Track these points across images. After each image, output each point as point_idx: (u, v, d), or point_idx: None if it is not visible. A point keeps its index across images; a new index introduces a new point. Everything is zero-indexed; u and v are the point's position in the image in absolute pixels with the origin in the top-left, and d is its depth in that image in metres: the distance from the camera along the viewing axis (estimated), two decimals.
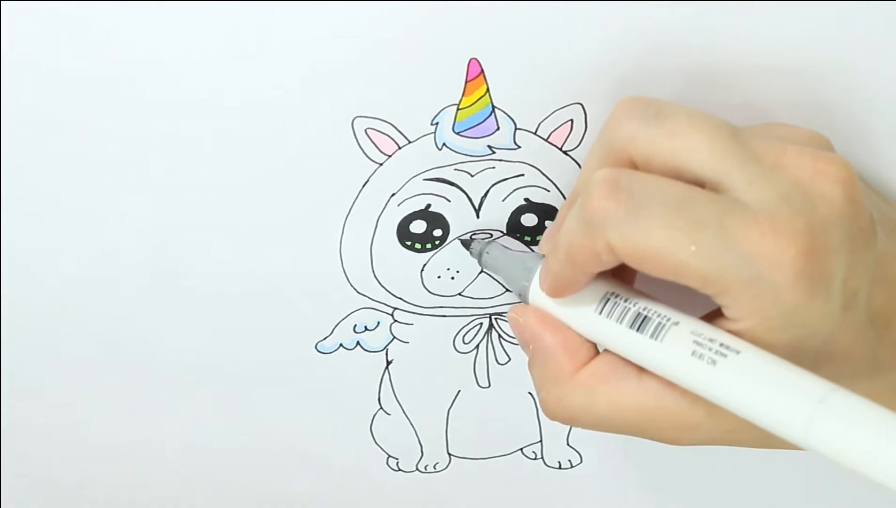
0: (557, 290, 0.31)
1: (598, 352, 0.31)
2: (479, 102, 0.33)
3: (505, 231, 0.36)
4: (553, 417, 0.31)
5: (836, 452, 0.24)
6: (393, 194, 0.35)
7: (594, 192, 0.28)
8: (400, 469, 0.41)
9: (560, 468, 0.41)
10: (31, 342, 0.38)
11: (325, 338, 0.38)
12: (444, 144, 0.34)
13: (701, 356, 0.27)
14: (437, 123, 0.33)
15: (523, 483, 0.42)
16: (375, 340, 0.38)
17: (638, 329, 0.29)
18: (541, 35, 0.32)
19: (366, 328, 0.38)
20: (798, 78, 0.33)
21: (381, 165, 0.34)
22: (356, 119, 0.33)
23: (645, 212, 0.27)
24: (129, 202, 0.35)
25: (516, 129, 0.34)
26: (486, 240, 0.36)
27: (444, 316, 0.38)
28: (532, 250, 0.36)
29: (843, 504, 0.43)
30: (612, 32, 0.32)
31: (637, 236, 0.27)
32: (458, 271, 0.37)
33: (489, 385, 0.40)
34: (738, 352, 0.27)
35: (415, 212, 0.35)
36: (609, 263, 0.28)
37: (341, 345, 0.38)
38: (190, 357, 0.39)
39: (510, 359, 0.39)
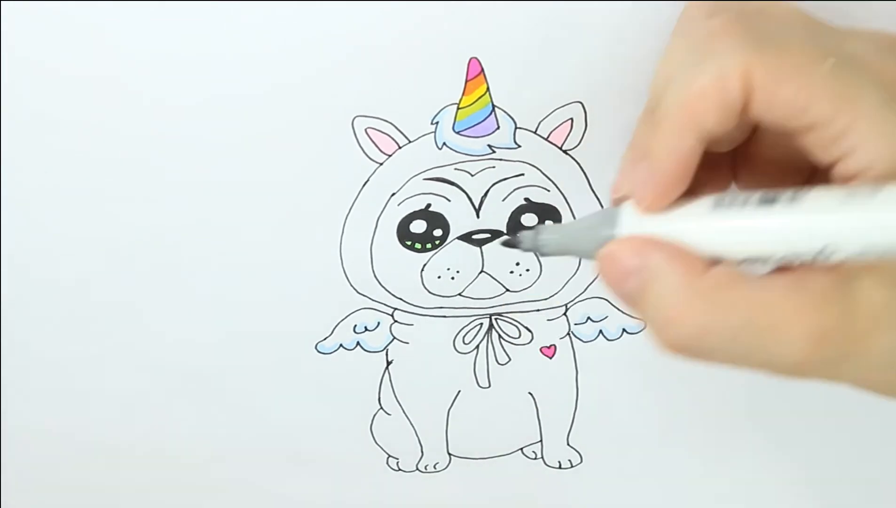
0: (668, 185, 0.26)
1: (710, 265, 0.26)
2: (480, 101, 0.33)
3: (505, 231, 0.36)
4: (681, 342, 0.26)
5: None
6: (393, 194, 0.35)
7: (717, 27, 0.25)
8: (400, 469, 0.41)
9: (560, 468, 0.41)
10: (31, 342, 0.38)
11: (325, 338, 0.38)
12: (444, 143, 0.34)
13: (855, 196, 0.24)
14: (437, 123, 0.34)
15: (523, 483, 0.42)
16: (375, 340, 0.38)
17: (770, 204, 0.25)
18: (541, 34, 0.32)
19: (366, 329, 0.38)
20: None
21: (381, 164, 0.34)
22: (356, 119, 0.33)
23: (776, 36, 0.25)
24: (128, 202, 0.35)
25: (516, 128, 0.34)
26: (534, 230, 0.30)
27: (445, 316, 0.38)
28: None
29: None
30: (612, 31, 0.32)
31: (774, 55, 0.25)
32: (458, 272, 0.37)
33: (489, 385, 0.40)
34: (893, 187, 0.24)
35: (415, 212, 0.35)
36: (733, 104, 0.25)
37: (341, 345, 0.38)
38: (190, 357, 0.39)
39: (510, 359, 0.39)
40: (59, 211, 0.35)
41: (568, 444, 0.41)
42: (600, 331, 0.38)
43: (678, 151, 0.26)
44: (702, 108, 0.25)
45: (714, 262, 0.26)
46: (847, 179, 0.25)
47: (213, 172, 0.34)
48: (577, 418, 0.40)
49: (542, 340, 0.39)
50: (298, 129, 0.34)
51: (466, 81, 0.33)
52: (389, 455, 0.41)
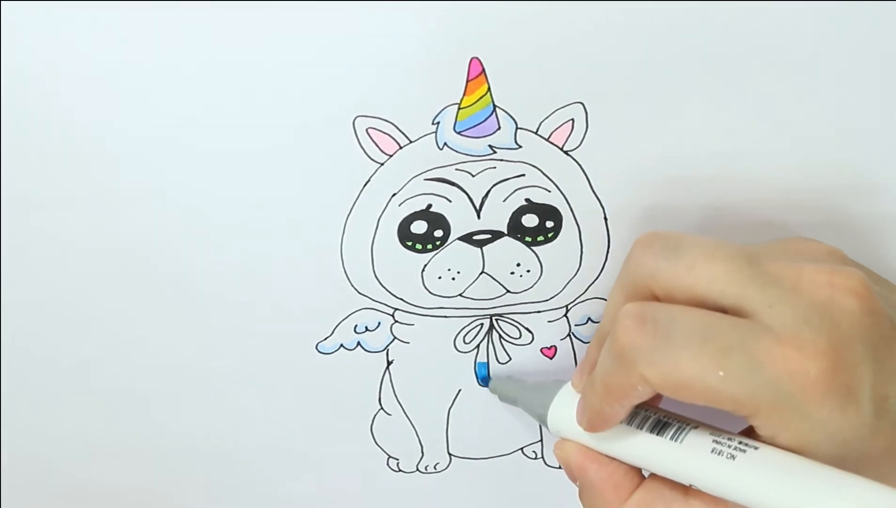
0: (597, 425, 0.32)
1: (642, 478, 0.32)
2: (480, 101, 0.33)
3: (506, 232, 0.36)
4: None
5: None
6: (394, 194, 0.35)
7: (622, 326, 0.29)
8: (400, 470, 0.41)
9: (560, 468, 0.41)
10: (31, 342, 0.38)
11: (325, 338, 0.38)
12: (445, 143, 0.34)
13: (720, 453, 0.29)
14: (438, 123, 0.34)
15: (524, 483, 0.42)
16: (376, 340, 0.38)
17: (659, 433, 0.30)
18: (542, 34, 0.32)
19: (366, 329, 0.38)
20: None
21: (382, 164, 0.34)
22: (357, 119, 0.33)
23: (672, 342, 0.28)
24: (128, 202, 0.35)
25: (517, 128, 0.34)
26: (500, 377, 0.38)
27: (445, 317, 0.38)
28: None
29: None
30: (613, 31, 0.32)
31: (668, 367, 0.28)
32: (458, 272, 0.37)
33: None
34: (756, 448, 0.28)
35: (416, 212, 0.35)
36: (645, 394, 0.29)
37: (342, 346, 0.38)
38: (190, 358, 0.38)
39: (510, 359, 0.39)
40: (59, 211, 0.35)
41: None
42: None
43: (606, 412, 0.31)
44: (618, 396, 0.30)
45: (641, 477, 0.32)
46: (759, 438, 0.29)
47: (213, 172, 0.34)
48: None
49: (543, 341, 0.39)
50: (299, 129, 0.34)
51: (467, 82, 0.33)
52: (389, 456, 0.41)
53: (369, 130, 0.33)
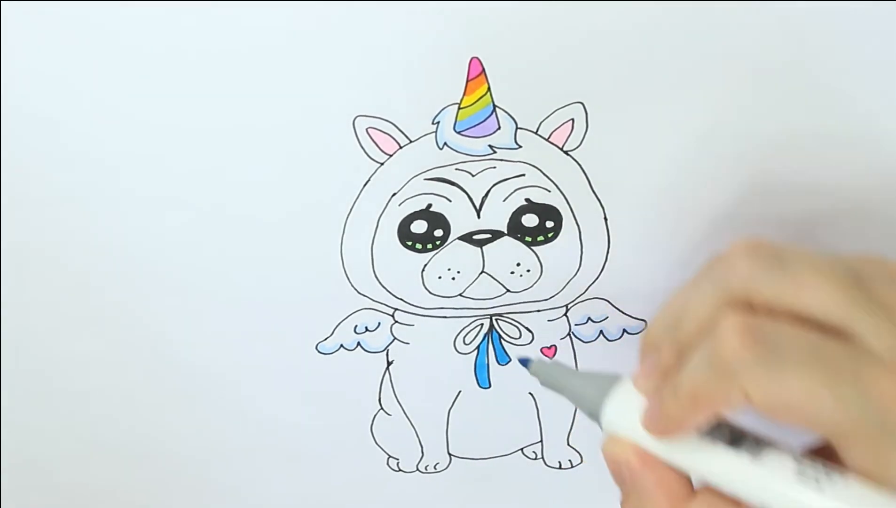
0: (671, 431, 0.30)
1: (693, 489, 0.30)
2: (480, 101, 0.33)
3: (506, 231, 0.36)
4: None
5: None
6: (394, 194, 0.35)
7: (729, 337, 0.28)
8: (400, 470, 0.41)
9: (560, 468, 0.41)
10: (31, 342, 0.38)
11: (325, 339, 0.38)
12: (445, 143, 0.34)
13: (806, 477, 0.27)
14: (438, 123, 0.34)
15: (523, 483, 0.42)
16: (376, 340, 0.38)
17: (734, 447, 0.29)
18: (542, 34, 0.32)
19: (366, 329, 0.38)
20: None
21: (382, 164, 0.34)
22: (357, 118, 0.33)
23: (781, 361, 0.27)
24: (128, 203, 0.35)
25: (517, 128, 0.34)
26: (544, 361, 0.35)
27: (445, 317, 0.38)
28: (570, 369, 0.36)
29: None
30: (614, 31, 0.32)
31: (774, 385, 0.27)
32: (458, 272, 0.37)
33: (489, 386, 0.40)
34: (842, 476, 0.27)
35: (416, 212, 0.35)
36: (736, 408, 0.28)
37: (342, 346, 0.38)
38: (190, 358, 0.39)
39: (510, 359, 0.39)
40: (59, 211, 0.35)
41: (568, 444, 0.41)
42: (601, 332, 0.38)
43: (685, 422, 0.29)
44: (707, 407, 0.28)
45: (695, 490, 0.30)
46: (838, 461, 0.28)
47: (213, 171, 0.34)
48: (578, 418, 0.40)
49: (543, 340, 0.39)
50: (299, 128, 0.34)
51: (467, 81, 0.33)
52: (390, 456, 0.41)
53: (369, 130, 0.34)
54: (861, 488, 0.27)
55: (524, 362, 0.35)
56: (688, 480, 0.30)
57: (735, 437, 0.29)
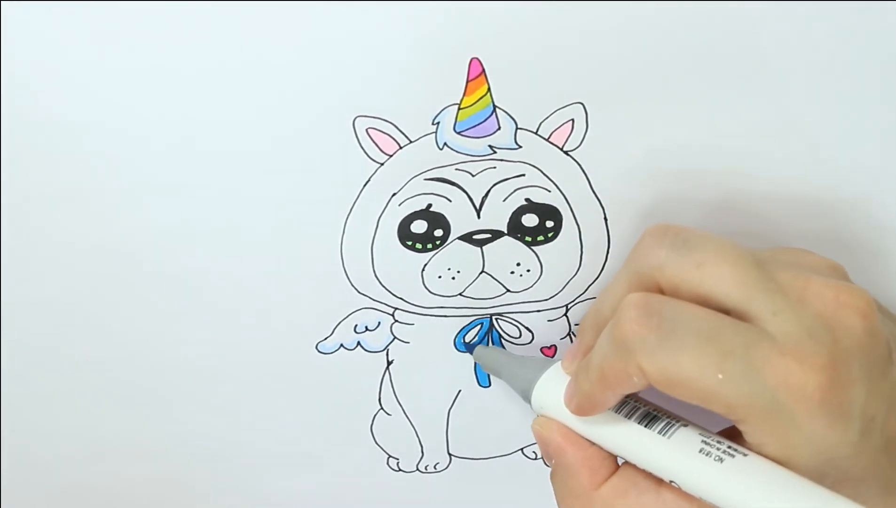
0: (587, 409, 0.32)
1: (618, 467, 0.32)
2: (481, 101, 0.33)
3: (506, 231, 0.36)
4: None
5: None
6: (394, 194, 0.35)
7: (626, 315, 0.29)
8: (400, 470, 0.41)
9: None
10: (31, 342, 0.38)
11: (325, 338, 0.38)
12: (445, 143, 0.34)
13: (708, 454, 0.29)
14: (438, 123, 0.34)
15: (524, 483, 0.42)
16: (376, 340, 0.38)
17: (647, 426, 0.30)
18: (542, 34, 0.32)
19: (366, 329, 0.38)
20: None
21: (382, 164, 0.34)
22: (357, 119, 0.33)
23: (675, 338, 0.28)
24: (128, 202, 0.35)
25: (517, 128, 0.34)
26: (485, 347, 0.38)
27: (445, 316, 0.38)
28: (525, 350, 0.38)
29: None
30: (614, 31, 0.32)
31: (667, 362, 0.28)
32: (458, 272, 0.37)
33: (489, 385, 0.40)
34: (745, 454, 0.28)
35: (416, 212, 0.35)
36: (640, 385, 0.29)
37: (342, 345, 0.38)
38: (190, 357, 0.39)
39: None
40: (59, 211, 0.35)
41: None
42: None
43: (597, 398, 0.31)
44: (612, 383, 0.30)
45: (616, 466, 0.32)
46: (743, 443, 0.29)
47: (213, 171, 0.34)
48: None
49: (543, 340, 0.39)
50: (299, 129, 0.34)
51: (467, 82, 0.33)
52: (389, 455, 0.41)
53: (369, 130, 0.33)
54: (759, 463, 0.28)
55: (470, 347, 0.38)
56: (613, 459, 0.32)
57: (650, 417, 0.31)
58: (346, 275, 0.37)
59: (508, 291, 0.37)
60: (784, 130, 0.34)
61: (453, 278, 0.37)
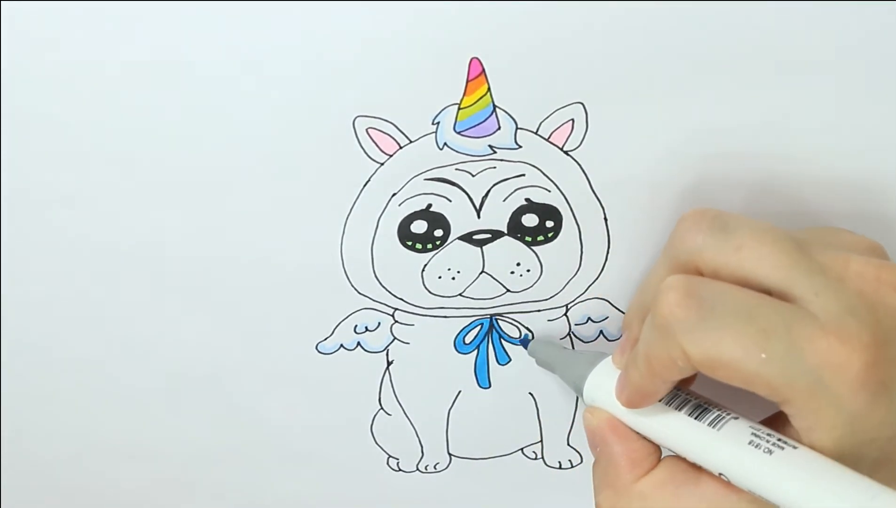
0: (637, 401, 0.31)
1: (660, 459, 0.32)
2: (481, 101, 0.33)
3: (506, 231, 0.36)
4: None
5: None
6: (394, 194, 0.35)
7: (666, 299, 0.29)
8: (400, 470, 0.41)
9: (560, 468, 0.41)
10: (31, 342, 0.38)
11: (325, 339, 0.38)
12: (445, 143, 0.34)
13: (758, 446, 0.28)
14: (438, 123, 0.34)
15: (524, 483, 0.42)
16: (376, 340, 0.38)
17: (697, 418, 0.30)
18: (542, 34, 0.32)
19: (366, 329, 0.38)
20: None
21: (382, 164, 0.34)
22: (357, 119, 0.33)
23: (716, 319, 0.28)
24: (128, 203, 0.35)
25: (517, 128, 0.34)
26: (540, 341, 0.38)
27: (445, 317, 0.38)
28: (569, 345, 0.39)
29: None
30: (614, 31, 0.32)
31: (709, 343, 0.28)
32: (458, 272, 0.37)
33: (489, 386, 0.39)
34: (794, 447, 0.28)
35: (416, 212, 0.35)
36: (685, 370, 0.29)
37: (342, 346, 0.38)
38: (191, 357, 0.39)
39: (510, 359, 0.39)
40: (58, 211, 0.35)
41: (568, 444, 0.41)
42: (601, 332, 0.38)
43: (648, 388, 0.31)
44: (661, 370, 0.30)
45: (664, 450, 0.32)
46: (789, 427, 0.29)
47: (213, 172, 0.34)
48: (578, 418, 0.40)
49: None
50: (299, 129, 0.34)
51: (467, 82, 0.33)
52: (389, 456, 0.41)
53: (369, 130, 0.33)
54: (808, 455, 0.28)
55: (525, 342, 0.38)
56: (657, 454, 0.32)
57: (701, 409, 0.30)
58: (346, 275, 0.37)
59: (508, 291, 0.37)
60: (784, 128, 0.34)
61: (453, 279, 0.37)
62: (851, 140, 0.34)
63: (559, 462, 0.41)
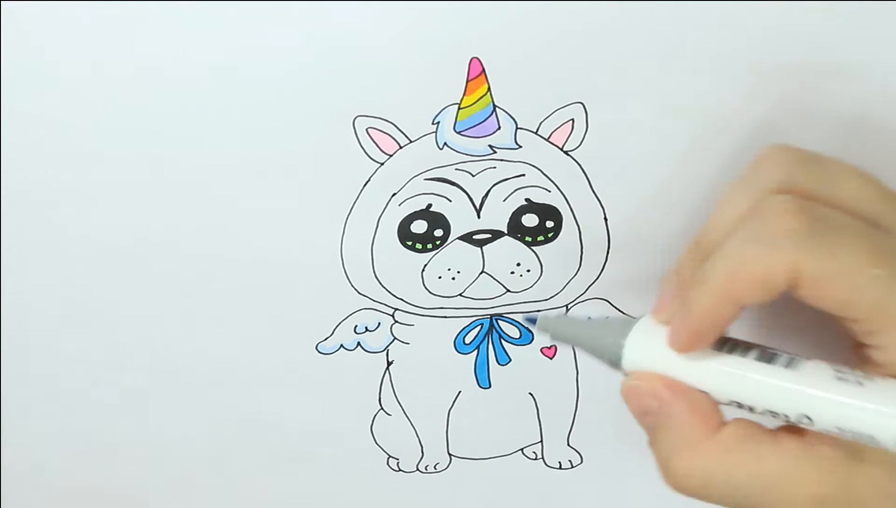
0: (700, 335, 0.28)
1: (723, 419, 0.29)
2: (481, 101, 0.33)
3: (506, 231, 0.36)
4: (684, 488, 0.29)
5: None
6: (394, 194, 0.35)
7: (777, 209, 0.27)
8: (400, 470, 0.41)
9: (560, 468, 0.41)
10: (31, 342, 0.38)
11: (325, 339, 0.38)
12: (445, 143, 0.34)
13: (846, 380, 0.27)
14: (438, 123, 0.34)
15: (524, 484, 0.42)
16: (376, 340, 0.38)
17: (768, 361, 0.28)
18: (542, 34, 0.32)
19: (366, 329, 0.38)
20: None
21: (382, 164, 0.34)
22: (357, 118, 0.33)
23: (830, 232, 0.27)
24: (128, 203, 0.35)
25: (517, 128, 0.34)
26: (553, 316, 0.35)
27: (445, 317, 0.38)
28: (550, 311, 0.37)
29: None
30: (614, 31, 0.32)
31: (824, 254, 0.26)
32: (458, 272, 0.37)
33: (489, 386, 0.39)
34: (885, 379, 0.26)
35: (416, 212, 0.35)
36: (775, 290, 0.27)
37: (342, 346, 0.38)
38: (191, 357, 0.39)
39: (510, 360, 0.39)
40: (59, 210, 0.35)
41: (568, 444, 0.41)
42: None
43: (716, 315, 0.28)
44: (746, 287, 0.27)
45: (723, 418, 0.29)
46: (873, 365, 0.27)
47: (213, 172, 0.34)
48: (578, 418, 0.40)
49: (543, 340, 0.39)
50: (299, 128, 0.34)
51: (467, 81, 0.33)
52: (389, 456, 0.41)
53: (369, 130, 0.34)
54: None
55: (531, 320, 0.33)
56: (717, 408, 0.29)
57: (769, 354, 0.28)
58: (346, 275, 0.37)
59: (508, 291, 0.37)
60: (784, 127, 0.34)
61: (453, 279, 0.37)
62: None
63: (559, 463, 0.41)
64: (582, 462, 0.41)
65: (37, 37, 0.32)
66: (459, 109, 0.33)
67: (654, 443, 0.30)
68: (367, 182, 0.35)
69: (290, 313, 0.37)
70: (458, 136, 0.34)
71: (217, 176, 0.34)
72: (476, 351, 0.39)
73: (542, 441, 0.41)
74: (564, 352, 0.39)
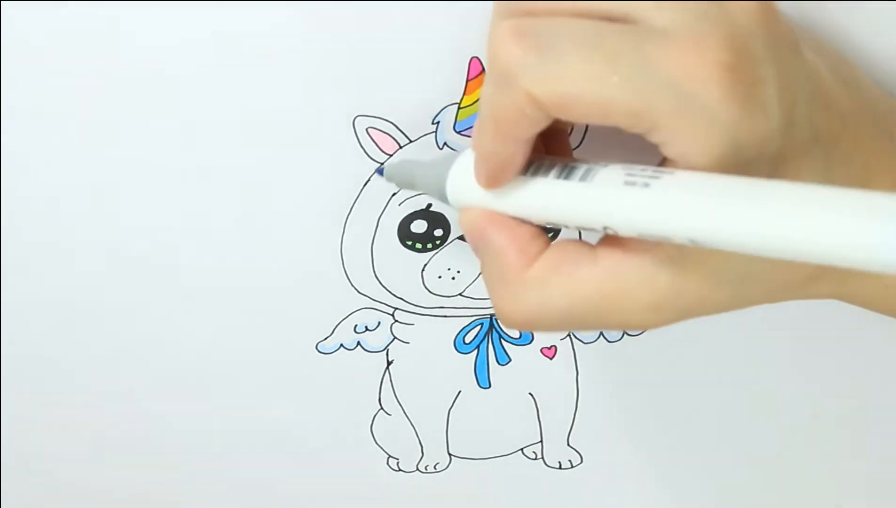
0: (496, 174, 0.28)
1: (549, 245, 0.29)
2: None
3: None
4: (509, 322, 0.29)
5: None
6: (394, 194, 0.35)
7: (498, 41, 0.26)
8: (400, 470, 0.41)
9: (560, 468, 0.41)
10: (31, 342, 0.38)
11: (325, 338, 0.38)
12: (445, 143, 0.34)
13: (633, 184, 0.25)
14: (438, 123, 0.34)
15: (523, 484, 0.42)
16: (376, 340, 0.38)
17: (566, 177, 0.27)
18: None
19: (366, 329, 0.38)
20: None
21: (382, 164, 0.34)
22: (357, 118, 0.33)
23: (557, 52, 0.25)
24: (128, 202, 0.35)
25: None
26: (394, 163, 0.34)
27: (445, 316, 0.38)
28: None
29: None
30: None
31: (554, 79, 0.25)
32: (458, 272, 0.37)
33: (489, 386, 0.40)
34: (671, 173, 0.25)
35: (416, 211, 0.35)
36: (537, 119, 0.26)
37: (342, 345, 0.38)
38: (190, 357, 0.39)
39: (510, 360, 0.39)
40: (59, 210, 0.35)
41: (568, 444, 0.41)
42: (601, 332, 0.38)
43: (500, 153, 0.27)
44: (509, 127, 0.26)
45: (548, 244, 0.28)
46: (669, 161, 0.26)
47: (213, 172, 0.34)
48: (578, 418, 0.40)
49: (543, 340, 0.39)
50: (299, 128, 0.34)
51: (467, 81, 0.33)
52: (389, 456, 0.41)
53: (369, 130, 0.33)
54: (685, 176, 0.25)
55: (380, 171, 0.34)
56: (544, 239, 0.29)
57: (568, 169, 0.27)
58: (346, 275, 0.37)
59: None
60: None
61: (453, 278, 0.37)
62: None
63: (559, 463, 0.41)
64: (582, 462, 0.41)
65: (37, 37, 0.32)
66: (459, 108, 0.33)
67: (483, 275, 0.30)
68: (366, 182, 0.35)
69: (290, 313, 0.38)
70: (459, 135, 0.34)
71: (217, 176, 0.34)
72: (476, 351, 0.39)
73: (541, 441, 0.41)
74: (565, 352, 0.39)
